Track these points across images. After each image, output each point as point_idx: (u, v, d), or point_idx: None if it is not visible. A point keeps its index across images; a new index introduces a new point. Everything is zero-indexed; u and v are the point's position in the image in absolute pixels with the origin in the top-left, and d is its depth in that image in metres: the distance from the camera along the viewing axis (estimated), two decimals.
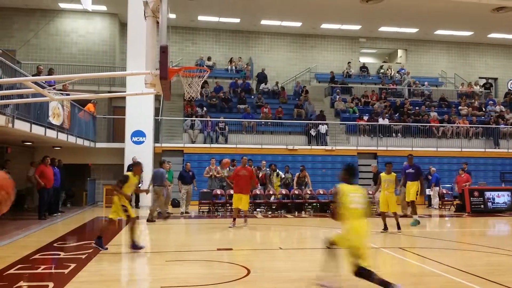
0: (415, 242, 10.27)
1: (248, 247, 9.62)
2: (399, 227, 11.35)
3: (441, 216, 16.55)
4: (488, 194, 16.97)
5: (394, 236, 11.13)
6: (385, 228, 11.40)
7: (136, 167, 9.39)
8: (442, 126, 22.83)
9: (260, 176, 17.05)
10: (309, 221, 14.35)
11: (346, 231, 5.49)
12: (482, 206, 16.78)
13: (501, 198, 17.11)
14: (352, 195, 5.50)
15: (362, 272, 5.30)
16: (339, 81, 26.75)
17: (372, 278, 5.26)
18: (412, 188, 12.84)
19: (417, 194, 12.79)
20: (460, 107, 25.50)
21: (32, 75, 13.75)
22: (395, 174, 11.65)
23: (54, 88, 10.13)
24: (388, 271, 7.33)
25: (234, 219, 12.39)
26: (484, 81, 29.64)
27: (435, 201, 18.57)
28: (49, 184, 13.84)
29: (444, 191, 18.76)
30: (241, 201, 12.39)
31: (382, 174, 11.71)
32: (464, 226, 13.95)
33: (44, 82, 11.64)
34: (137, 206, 17.67)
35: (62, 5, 23.05)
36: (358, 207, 5.49)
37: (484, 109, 25.87)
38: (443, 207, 18.49)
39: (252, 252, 9.01)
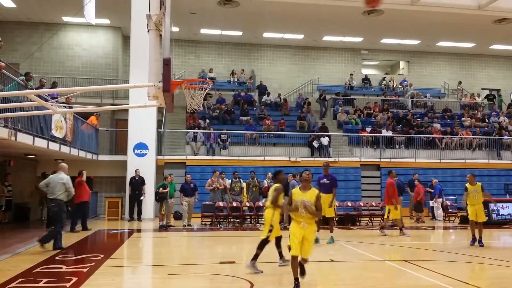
0: (419, 254, 10.18)
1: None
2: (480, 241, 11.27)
3: (445, 228, 16.44)
4: (492, 206, 16.82)
5: (397, 248, 11.05)
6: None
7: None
8: (445, 137, 22.78)
9: (263, 188, 16.98)
10: None
11: None
12: (486, 217, 16.61)
13: (505, 209, 16.96)
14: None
15: None
16: (342, 92, 26.81)
17: None
18: (328, 200, 11.39)
19: (331, 205, 11.49)
20: (463, 119, 25.47)
21: (35, 88, 13.80)
22: (480, 184, 11.56)
23: (57, 101, 10.16)
24: (392, 284, 7.26)
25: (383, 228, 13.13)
26: (487, 92, 29.64)
27: (439, 213, 18.46)
28: (87, 197, 14.31)
29: (448, 203, 18.64)
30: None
31: (468, 186, 11.48)
32: (468, 238, 13.81)
33: (47, 95, 11.68)
34: (139, 219, 17.63)
35: (66, 19, 23.23)
36: None
37: (487, 120, 25.82)
38: (447, 219, 18.37)
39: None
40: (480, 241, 11.27)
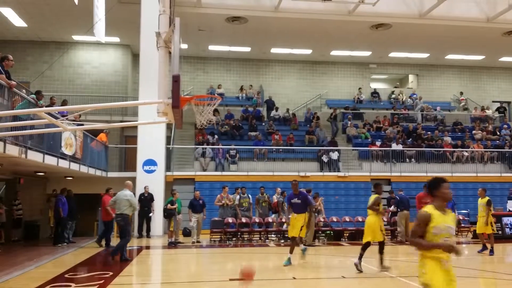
0: None
1: (261, 277, 9.41)
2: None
3: (458, 243, 16.17)
4: (505, 220, 16.56)
5: (409, 264, 10.86)
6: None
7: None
8: (456, 150, 22.56)
9: (272, 203, 16.90)
10: (323, 249, 14.08)
11: None
12: (499, 232, 16.36)
13: None
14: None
15: None
16: (351, 107, 26.75)
17: None
18: (299, 222, 10.39)
19: (301, 228, 10.42)
20: (474, 132, 25.25)
21: (46, 107, 13.89)
22: (487, 198, 12.53)
23: (67, 119, 10.21)
24: None
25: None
26: (497, 105, 29.41)
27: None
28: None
29: (461, 217, 18.37)
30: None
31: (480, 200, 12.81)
32: (482, 253, 13.57)
33: (57, 112, 11.75)
34: (148, 235, 17.56)
35: (76, 38, 23.55)
36: None
37: (498, 133, 25.57)
38: (460, 233, 18.08)
39: (265, 282, 8.81)
40: (491, 251, 12.39)
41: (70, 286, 8.33)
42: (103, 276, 9.11)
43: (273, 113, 25.40)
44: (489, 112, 28.20)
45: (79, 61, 24.61)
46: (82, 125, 13.77)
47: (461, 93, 28.96)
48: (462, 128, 25.71)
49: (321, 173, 20.83)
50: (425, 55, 27.36)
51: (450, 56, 27.49)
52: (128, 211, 11.35)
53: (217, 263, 11.86)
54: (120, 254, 11.20)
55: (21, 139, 10.17)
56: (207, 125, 7.84)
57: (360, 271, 9.20)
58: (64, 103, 16.30)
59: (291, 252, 10.38)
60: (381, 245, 9.62)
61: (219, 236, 15.95)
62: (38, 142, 11.41)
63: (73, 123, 12.88)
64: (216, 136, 21.87)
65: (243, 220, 16.13)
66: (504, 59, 27.91)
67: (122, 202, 11.28)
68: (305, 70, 28.01)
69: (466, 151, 22.66)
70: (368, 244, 9.52)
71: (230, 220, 15.96)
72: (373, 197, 9.98)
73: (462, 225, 18.17)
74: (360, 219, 17.03)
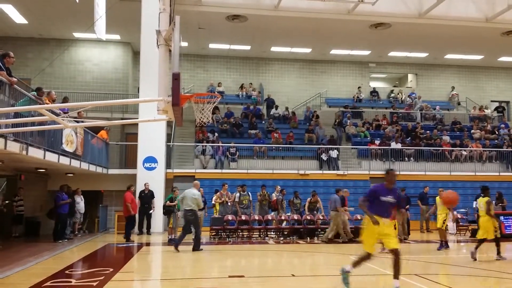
0: (430, 268, 10.09)
1: (260, 274, 9.51)
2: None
3: (456, 241, 16.27)
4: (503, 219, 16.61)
5: (408, 262, 10.95)
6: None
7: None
8: (455, 149, 22.65)
9: (271, 201, 16.98)
10: (321, 247, 14.17)
11: None
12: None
13: None
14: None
15: None
16: (350, 105, 26.84)
17: None
18: (392, 228, 7.61)
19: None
20: (472, 131, 25.35)
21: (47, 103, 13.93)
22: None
23: (67, 116, 10.27)
24: None
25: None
26: (496, 104, 29.50)
27: (450, 225, 18.27)
28: (135, 210, 16.30)
29: (459, 216, 18.46)
30: None
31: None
32: (480, 252, 13.65)
33: (58, 109, 11.80)
34: (148, 232, 17.64)
35: (77, 35, 23.61)
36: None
37: (497, 133, 25.66)
38: (458, 232, 18.17)
39: (264, 279, 8.90)
40: (441, 245, 13.23)
41: (71, 282, 8.40)
42: (103, 272, 9.18)
43: (273, 111, 25.48)
44: (487, 112, 28.31)
45: (79, 59, 24.67)
46: (83, 121, 13.83)
47: (453, 88, 29.03)
48: (461, 127, 25.82)
49: (320, 171, 20.92)
50: (424, 55, 27.44)
51: (449, 56, 27.57)
52: (195, 207, 12.61)
53: (216, 260, 11.94)
54: (194, 245, 12.70)
55: (22, 135, 10.23)
56: (206, 124, 7.90)
57: (475, 259, 10.77)
58: (65, 100, 16.36)
59: (356, 265, 7.41)
60: (497, 241, 11.12)
61: (219, 234, 15.96)
62: (39, 139, 11.46)
63: (74, 120, 12.96)
64: (216, 134, 21.96)
65: (243, 217, 16.20)
66: (503, 59, 27.99)
67: (190, 200, 12.55)
68: (304, 69, 28.09)
69: (465, 150, 22.76)
70: (482, 241, 10.97)
71: (230, 217, 16.03)
72: (484, 202, 11.14)
73: (461, 223, 18.26)
74: (359, 217, 17.09)
